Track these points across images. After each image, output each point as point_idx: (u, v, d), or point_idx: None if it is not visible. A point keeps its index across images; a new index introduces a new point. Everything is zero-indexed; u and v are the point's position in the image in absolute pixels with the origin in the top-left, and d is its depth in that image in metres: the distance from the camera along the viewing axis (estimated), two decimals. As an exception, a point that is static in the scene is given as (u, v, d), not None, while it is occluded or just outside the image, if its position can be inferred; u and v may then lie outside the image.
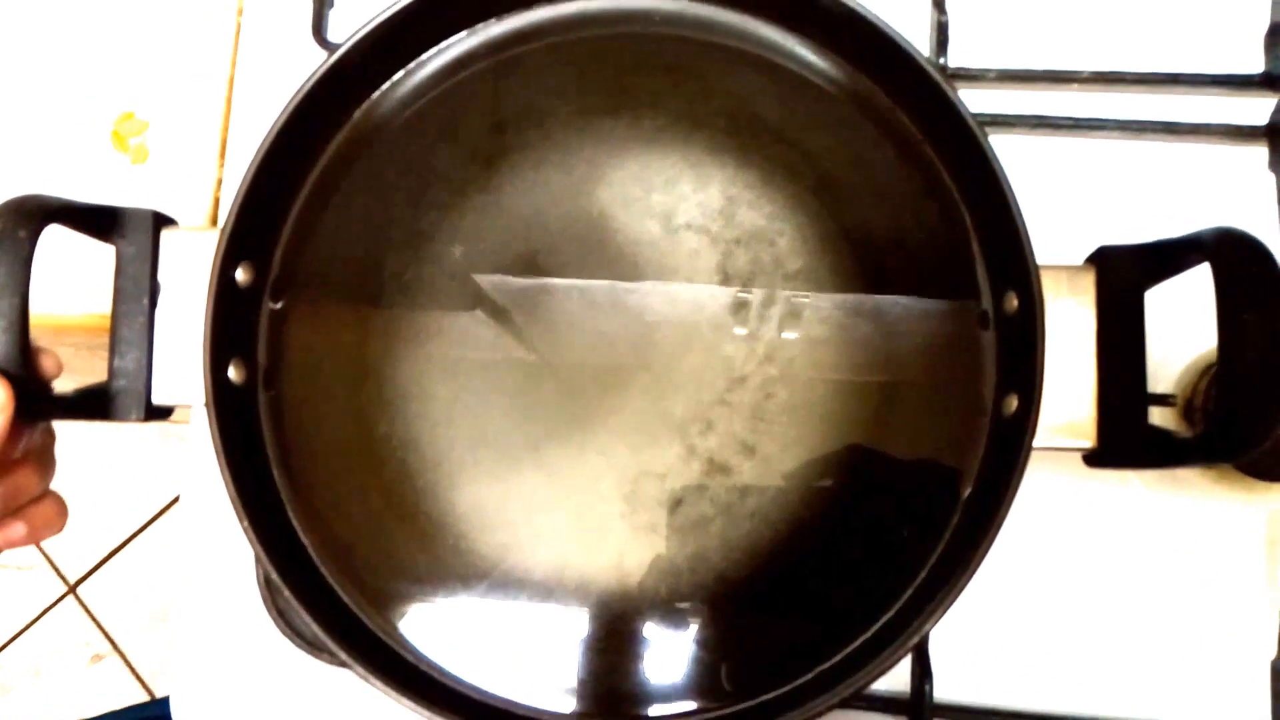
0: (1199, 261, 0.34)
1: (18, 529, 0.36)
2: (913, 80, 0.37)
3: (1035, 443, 0.35)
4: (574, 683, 0.38)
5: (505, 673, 0.38)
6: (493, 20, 0.41)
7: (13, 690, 1.21)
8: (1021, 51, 0.46)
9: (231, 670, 0.46)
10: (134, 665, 1.22)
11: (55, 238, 0.36)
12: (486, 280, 0.40)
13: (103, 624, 1.23)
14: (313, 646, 0.44)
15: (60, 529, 0.38)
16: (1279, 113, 0.44)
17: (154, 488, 1.22)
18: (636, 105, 0.41)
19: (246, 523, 0.35)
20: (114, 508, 1.22)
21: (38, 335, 0.36)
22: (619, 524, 0.38)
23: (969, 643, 0.44)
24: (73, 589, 1.23)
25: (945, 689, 0.43)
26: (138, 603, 1.23)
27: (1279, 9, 0.45)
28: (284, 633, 0.44)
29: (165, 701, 0.47)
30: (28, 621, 1.23)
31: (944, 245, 0.39)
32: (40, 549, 1.23)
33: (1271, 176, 0.45)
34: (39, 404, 0.35)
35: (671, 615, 0.38)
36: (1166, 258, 0.36)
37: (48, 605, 1.23)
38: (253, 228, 0.38)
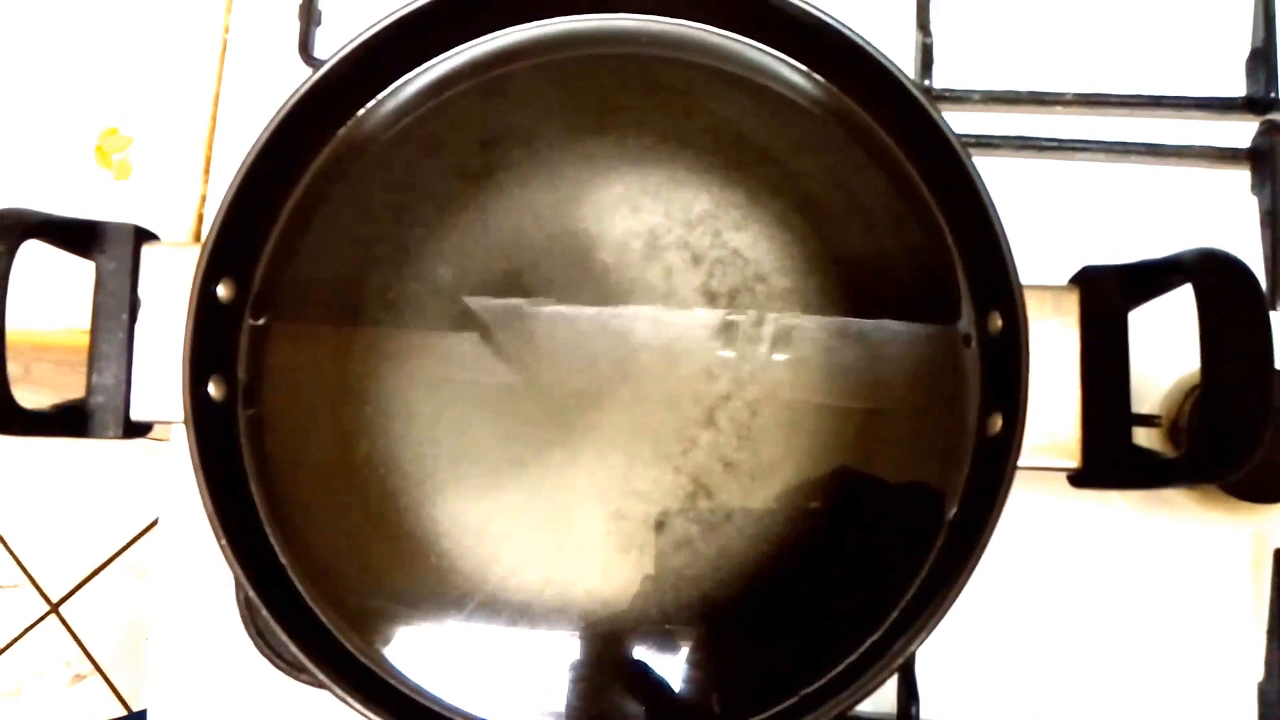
0: (1181, 282, 0.34)
1: None
2: (897, 101, 0.38)
3: (1020, 463, 0.35)
4: (556, 705, 0.37)
5: (487, 695, 0.38)
6: (479, 39, 0.42)
7: (-8, 710, 1.19)
8: (1006, 73, 0.47)
9: (210, 690, 0.46)
10: (115, 685, 1.21)
11: (36, 253, 0.36)
12: (472, 299, 0.40)
13: (84, 643, 1.21)
14: (292, 667, 0.43)
15: None
16: (1260, 136, 0.45)
17: (137, 507, 1.21)
18: (622, 125, 0.41)
19: (224, 541, 0.35)
20: (97, 527, 1.21)
21: (15, 352, 0.35)
22: (604, 544, 0.38)
23: (956, 663, 0.43)
24: (55, 608, 1.22)
25: (932, 710, 0.42)
26: (120, 622, 1.21)
27: (1259, 34, 0.46)
28: (263, 653, 0.43)
29: (143, 714, 0.46)
30: (9, 640, 1.22)
31: (928, 265, 0.39)
32: (23, 567, 1.22)
33: (1253, 199, 0.45)
34: (13, 420, 0.35)
35: (656, 637, 0.38)
36: (1149, 278, 0.36)
37: (29, 624, 1.22)
38: (235, 243, 0.38)
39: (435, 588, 0.38)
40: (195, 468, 0.35)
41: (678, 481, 0.38)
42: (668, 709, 0.38)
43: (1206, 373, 0.32)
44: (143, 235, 0.38)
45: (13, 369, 0.35)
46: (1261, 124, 0.45)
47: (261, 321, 0.40)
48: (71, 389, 0.38)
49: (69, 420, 0.37)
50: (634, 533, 0.38)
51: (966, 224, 0.38)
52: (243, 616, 0.44)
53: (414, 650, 0.38)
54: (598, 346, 0.39)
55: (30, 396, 0.37)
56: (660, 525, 0.38)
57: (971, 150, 0.44)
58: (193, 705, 0.46)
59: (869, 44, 0.37)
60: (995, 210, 0.36)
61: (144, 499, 1.22)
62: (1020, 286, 0.35)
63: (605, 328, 0.39)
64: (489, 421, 0.39)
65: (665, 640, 0.38)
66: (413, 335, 0.40)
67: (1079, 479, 0.37)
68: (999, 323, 0.37)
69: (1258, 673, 0.43)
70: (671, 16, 0.41)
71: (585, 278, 0.40)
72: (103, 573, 1.22)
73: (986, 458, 0.37)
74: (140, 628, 1.20)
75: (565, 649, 0.38)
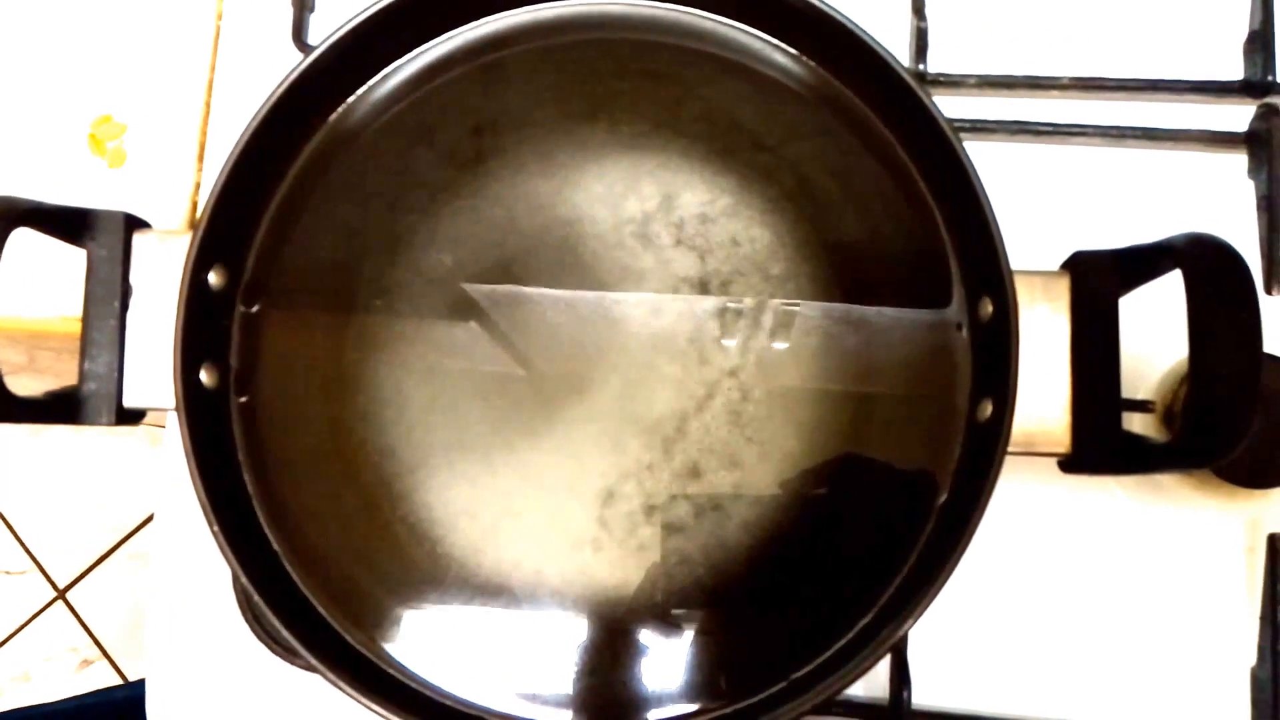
0: (1171, 267, 0.34)
1: None
2: (889, 86, 0.38)
3: (1010, 448, 0.35)
4: (545, 690, 0.38)
5: (479, 681, 0.38)
6: (471, 25, 0.41)
7: (1, 695, 1.20)
8: (1001, 58, 0.46)
9: (207, 674, 0.46)
10: (122, 670, 1.22)
11: (33, 241, 0.36)
12: (465, 285, 0.40)
13: (91, 629, 1.22)
14: (287, 652, 0.43)
15: None
16: (1258, 120, 0.44)
17: (143, 494, 1.22)
18: (615, 111, 0.41)
19: (217, 528, 0.35)
20: (103, 514, 1.22)
21: (16, 340, 0.36)
22: (597, 529, 0.38)
23: (948, 649, 0.43)
24: (62, 594, 1.23)
25: (924, 695, 0.43)
26: (126, 608, 1.22)
27: (1257, 16, 0.45)
28: (259, 638, 0.44)
29: (140, 684, 0.46)
30: (17, 626, 1.22)
31: (920, 251, 0.39)
32: (30, 554, 1.23)
33: (1250, 183, 0.45)
34: (5, 408, 0.35)
35: (647, 621, 0.38)
36: (1140, 263, 0.36)
37: (37, 610, 1.23)
38: (226, 231, 0.38)
39: (429, 574, 0.38)
40: (187, 455, 0.35)
41: (671, 467, 0.39)
42: (655, 694, 0.38)
43: (1195, 357, 0.32)
44: (133, 223, 0.39)
45: (16, 357, 0.35)
46: (1259, 108, 0.45)
47: (254, 309, 0.40)
48: (74, 376, 0.38)
49: (61, 407, 0.37)
50: (628, 518, 0.38)
51: (958, 209, 0.37)
52: (239, 602, 0.44)
53: (409, 636, 0.38)
54: (590, 333, 0.39)
55: (34, 384, 0.37)
56: (652, 510, 0.38)
57: (966, 135, 0.45)
58: (190, 688, 0.46)
59: (861, 29, 0.37)
60: (986, 196, 0.35)
61: (149, 486, 1.22)
62: (1011, 272, 0.35)
63: (598, 314, 0.39)
64: (483, 408, 0.39)
65: (656, 625, 0.38)
66: (405, 322, 0.40)
67: (1069, 464, 0.37)
68: (990, 308, 0.37)
69: (1250, 657, 0.43)
70: (664, 1, 0.41)
71: (578, 265, 0.40)
72: (109, 559, 1.23)
73: (977, 443, 0.37)
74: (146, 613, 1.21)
75: (557, 634, 0.38)
